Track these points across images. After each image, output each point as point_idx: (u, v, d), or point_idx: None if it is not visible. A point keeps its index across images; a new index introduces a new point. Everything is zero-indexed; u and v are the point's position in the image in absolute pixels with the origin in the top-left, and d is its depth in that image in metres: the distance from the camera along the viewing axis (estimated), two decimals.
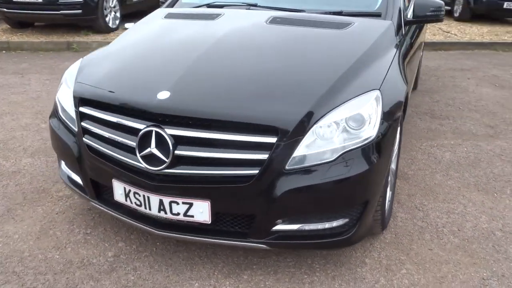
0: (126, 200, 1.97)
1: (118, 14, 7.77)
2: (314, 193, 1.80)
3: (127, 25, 8.27)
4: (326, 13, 2.60)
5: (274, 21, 2.46)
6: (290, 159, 1.76)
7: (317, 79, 1.94)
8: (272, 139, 1.74)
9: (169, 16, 2.77)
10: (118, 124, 1.94)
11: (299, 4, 2.73)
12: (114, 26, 7.65)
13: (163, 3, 3.33)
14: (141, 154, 1.83)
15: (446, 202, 2.70)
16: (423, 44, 4.72)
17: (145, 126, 1.83)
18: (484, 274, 2.09)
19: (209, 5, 2.88)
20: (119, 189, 1.97)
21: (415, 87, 4.97)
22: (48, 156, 3.21)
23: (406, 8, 2.81)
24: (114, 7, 7.64)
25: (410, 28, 3.00)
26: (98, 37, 7.22)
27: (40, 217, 2.48)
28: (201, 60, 2.07)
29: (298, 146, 1.77)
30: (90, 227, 2.40)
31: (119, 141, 1.93)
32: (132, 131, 1.88)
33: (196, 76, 1.96)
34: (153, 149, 1.81)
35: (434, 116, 4.22)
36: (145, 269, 2.08)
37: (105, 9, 7.33)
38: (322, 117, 1.80)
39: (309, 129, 1.78)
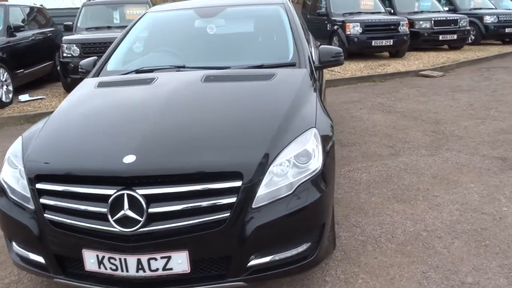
0: (99, 268, 1.99)
1: (10, 88, 7.41)
2: (280, 225, 2.02)
3: (21, 97, 7.92)
4: (249, 67, 2.93)
5: (208, 79, 2.71)
6: (255, 199, 1.98)
7: (263, 125, 2.21)
8: (238, 183, 1.94)
9: (102, 85, 2.87)
10: (83, 194, 1.98)
11: (223, 62, 3.03)
12: (7, 100, 7.27)
13: (84, 72, 3.38)
14: (114, 218, 1.91)
15: (375, 216, 3.09)
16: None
17: (115, 190, 1.91)
18: (423, 268, 2.46)
19: (137, 71, 3.04)
20: (90, 258, 1.99)
21: None
22: None
23: (313, 56, 3.26)
24: (6, 80, 7.28)
25: (317, 73, 3.47)
26: None
27: None
28: (156, 121, 2.22)
29: (260, 186, 1.99)
30: None
31: (86, 210, 1.97)
32: (100, 198, 1.95)
33: (155, 136, 2.10)
34: (126, 211, 1.89)
35: (342, 144, 4.75)
36: None
37: None
38: (276, 157, 2.05)
39: (267, 169, 2.02)
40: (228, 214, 1.93)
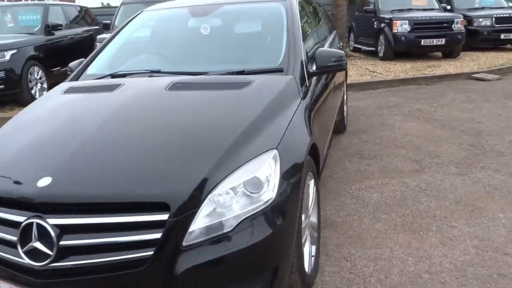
0: None
1: (45, 85, 7.56)
2: (218, 267, 1.68)
3: None
4: (228, 73, 2.59)
5: (174, 87, 2.40)
6: (187, 234, 1.65)
7: (212, 145, 1.87)
8: (164, 216, 1.63)
9: (69, 90, 2.65)
10: None
11: (201, 66, 2.72)
12: None
13: (71, 72, 3.21)
14: (24, 249, 1.66)
15: (373, 247, 2.65)
16: (344, 87, 4.86)
17: (26, 218, 1.67)
18: None
19: (113, 75, 2.79)
20: None
21: (344, 130, 5.06)
22: None
23: (309, 60, 2.85)
24: (40, 78, 7.44)
25: (319, 77, 3.04)
26: None
27: None
28: (89, 139, 1.95)
29: (195, 219, 1.66)
30: None
31: None
32: (14, 225, 1.71)
33: (82, 158, 1.83)
34: (35, 243, 1.64)
35: (362, 156, 4.27)
36: None
37: (30, 81, 7.12)
38: (218, 184, 1.72)
39: (205, 198, 1.69)
40: (152, 252, 1.62)
